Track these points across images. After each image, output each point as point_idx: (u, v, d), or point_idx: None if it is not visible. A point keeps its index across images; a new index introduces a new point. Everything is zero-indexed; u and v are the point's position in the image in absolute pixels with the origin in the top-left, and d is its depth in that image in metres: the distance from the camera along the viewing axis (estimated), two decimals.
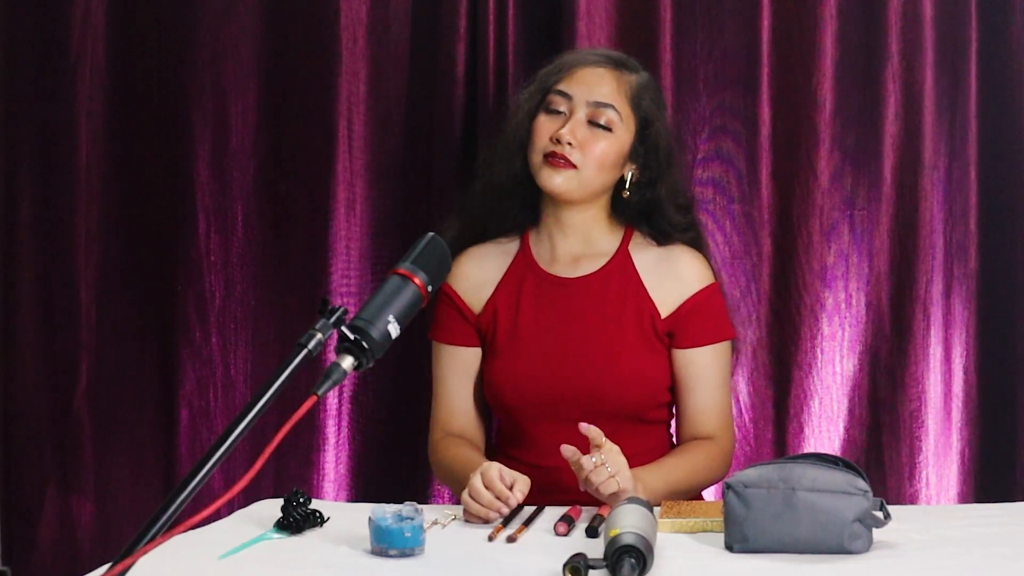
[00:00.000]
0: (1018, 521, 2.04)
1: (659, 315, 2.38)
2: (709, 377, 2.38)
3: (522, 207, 2.46)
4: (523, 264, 2.45)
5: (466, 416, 2.45)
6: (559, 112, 2.37)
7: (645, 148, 2.41)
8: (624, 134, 2.38)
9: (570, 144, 2.33)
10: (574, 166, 2.34)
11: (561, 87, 2.38)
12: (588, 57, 2.43)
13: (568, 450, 2.10)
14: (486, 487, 2.07)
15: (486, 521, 2.07)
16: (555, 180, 2.35)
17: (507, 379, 2.38)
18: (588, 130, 2.35)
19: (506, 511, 2.07)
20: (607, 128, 2.35)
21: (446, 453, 2.40)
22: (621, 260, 2.41)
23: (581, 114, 2.35)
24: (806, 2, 2.78)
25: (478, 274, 2.46)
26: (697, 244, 2.47)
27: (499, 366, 2.40)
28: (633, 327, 2.37)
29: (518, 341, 2.39)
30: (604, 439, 2.10)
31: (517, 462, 2.29)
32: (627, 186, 2.41)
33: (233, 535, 1.97)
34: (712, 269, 2.45)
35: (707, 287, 2.40)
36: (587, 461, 2.08)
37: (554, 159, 2.34)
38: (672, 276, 2.40)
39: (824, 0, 2.76)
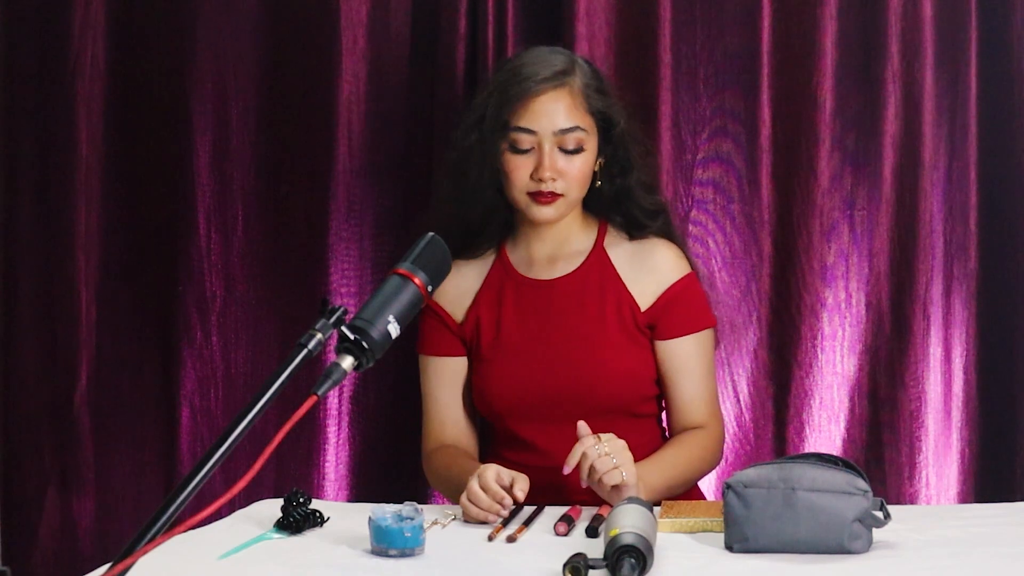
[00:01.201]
0: (1018, 521, 2.04)
1: (639, 308, 2.39)
2: (693, 367, 2.39)
3: (497, 228, 2.46)
4: (501, 270, 2.46)
5: (457, 426, 2.46)
6: (526, 150, 2.35)
7: (610, 141, 2.40)
8: (592, 141, 2.38)
9: (552, 179, 2.33)
10: (560, 195, 2.35)
11: (522, 124, 2.34)
12: (535, 84, 2.35)
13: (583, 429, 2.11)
14: (483, 489, 2.07)
15: (485, 522, 2.07)
16: (547, 213, 2.36)
17: (495, 385, 2.39)
18: (562, 156, 2.34)
19: (505, 512, 2.07)
20: (577, 150, 2.35)
21: (440, 463, 2.41)
22: (597, 257, 2.42)
23: (549, 145, 2.34)
24: (806, 2, 2.78)
25: (458, 284, 2.45)
26: (668, 231, 2.46)
27: (486, 372, 2.41)
28: (614, 323, 2.38)
29: (502, 346, 2.40)
30: (598, 435, 2.12)
31: (513, 464, 2.29)
32: (598, 177, 2.41)
33: (233, 535, 1.98)
34: (688, 259, 2.45)
35: (684, 277, 2.41)
36: (591, 443, 2.09)
37: (540, 198, 2.34)
38: (648, 269, 2.41)
39: (824, 0, 2.76)
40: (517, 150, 2.36)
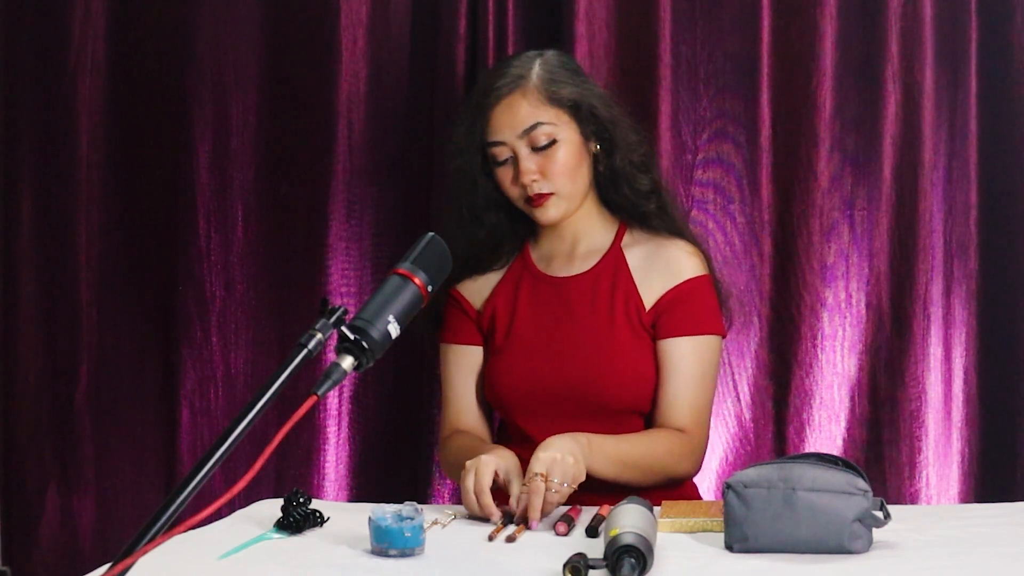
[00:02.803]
0: (1018, 521, 2.04)
1: (643, 307, 2.38)
2: (684, 369, 2.36)
3: (512, 238, 2.47)
4: (521, 265, 2.47)
5: (472, 414, 2.46)
6: (505, 161, 2.36)
7: (591, 123, 2.39)
8: (566, 130, 2.36)
9: (534, 181, 2.34)
10: (551, 193, 2.35)
11: (490, 138, 2.36)
12: (491, 95, 2.36)
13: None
14: (476, 495, 2.07)
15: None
16: (548, 215, 2.37)
17: (504, 377, 2.39)
18: (538, 156, 2.34)
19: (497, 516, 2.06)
20: (551, 143, 2.35)
21: (454, 448, 2.41)
22: (614, 257, 2.42)
23: (522, 149, 2.34)
24: (806, 3, 2.78)
25: (479, 275, 2.48)
26: (664, 214, 2.44)
27: (497, 364, 2.41)
28: (623, 323, 2.37)
29: (514, 340, 2.41)
30: (536, 472, 2.06)
31: (522, 461, 2.30)
32: (600, 162, 2.41)
33: (233, 535, 1.97)
34: (706, 263, 2.43)
35: (694, 278, 2.39)
36: (542, 488, 2.04)
37: (536, 201, 2.35)
38: (660, 268, 2.40)
39: (824, 1, 2.76)
40: (498, 163, 2.38)
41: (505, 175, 2.37)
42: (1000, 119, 2.77)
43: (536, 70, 2.37)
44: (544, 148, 2.34)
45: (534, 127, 2.34)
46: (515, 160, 2.35)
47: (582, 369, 2.35)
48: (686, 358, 2.36)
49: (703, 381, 2.38)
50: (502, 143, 2.36)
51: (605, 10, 2.80)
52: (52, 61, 2.94)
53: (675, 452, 2.33)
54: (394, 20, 2.89)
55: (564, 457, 2.09)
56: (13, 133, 2.97)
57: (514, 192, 2.38)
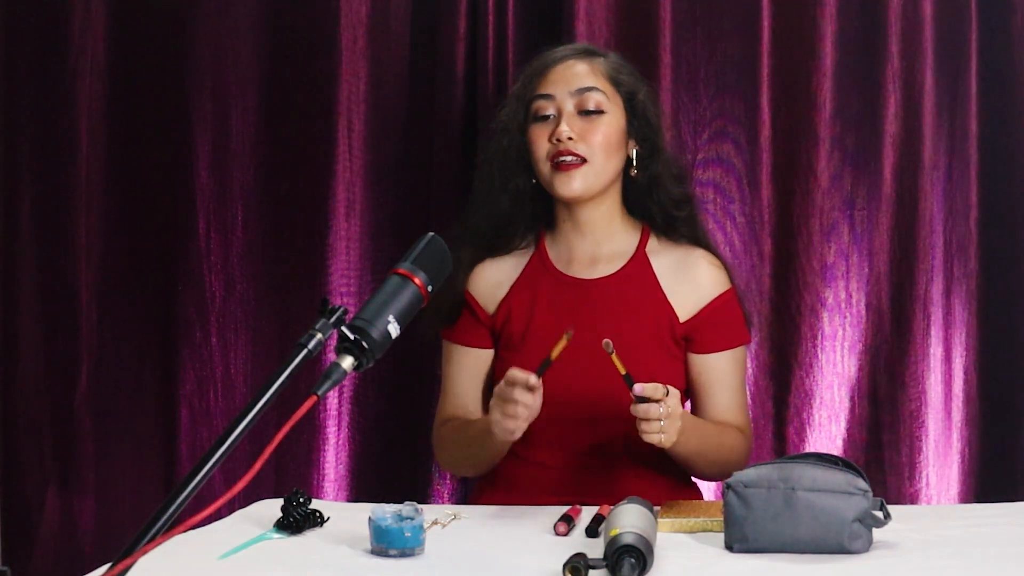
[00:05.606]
0: (1018, 521, 2.04)
1: (677, 319, 2.37)
2: (727, 380, 2.38)
3: (531, 221, 2.45)
4: (539, 265, 2.44)
5: (468, 412, 2.45)
6: (547, 116, 2.35)
7: (638, 121, 2.39)
8: (616, 111, 2.37)
9: (571, 139, 2.31)
10: (583, 160, 2.32)
11: (540, 91, 2.36)
12: (555, 56, 2.40)
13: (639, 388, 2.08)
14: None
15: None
16: (572, 185, 2.33)
17: None
18: (583, 120, 2.34)
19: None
20: (599, 111, 2.34)
21: (453, 428, 2.40)
22: (639, 262, 2.40)
23: (569, 107, 2.34)
24: (806, 3, 2.78)
25: (494, 275, 2.45)
26: (693, 221, 2.45)
27: (511, 363, 2.36)
28: (650, 330, 2.36)
29: (532, 340, 2.37)
30: (667, 389, 2.09)
31: (523, 460, 2.29)
32: (634, 164, 2.39)
33: (233, 535, 1.97)
34: (729, 274, 2.43)
35: (725, 293, 2.39)
36: (656, 410, 2.07)
37: (563, 164, 2.32)
38: (690, 281, 2.38)
39: (823, 1, 2.77)
40: (538, 119, 2.36)
41: (540, 132, 2.35)
42: (1000, 119, 2.77)
43: (606, 56, 2.41)
44: (590, 114, 2.34)
45: (588, 89, 2.34)
46: (556, 120, 2.34)
47: (603, 373, 2.32)
48: (727, 370, 2.39)
49: (742, 387, 2.43)
50: (550, 97, 2.35)
51: (605, 10, 2.81)
52: (52, 61, 2.94)
53: (738, 448, 2.36)
54: (394, 20, 2.89)
55: (678, 418, 2.11)
56: (13, 133, 2.97)
57: (543, 149, 2.34)
